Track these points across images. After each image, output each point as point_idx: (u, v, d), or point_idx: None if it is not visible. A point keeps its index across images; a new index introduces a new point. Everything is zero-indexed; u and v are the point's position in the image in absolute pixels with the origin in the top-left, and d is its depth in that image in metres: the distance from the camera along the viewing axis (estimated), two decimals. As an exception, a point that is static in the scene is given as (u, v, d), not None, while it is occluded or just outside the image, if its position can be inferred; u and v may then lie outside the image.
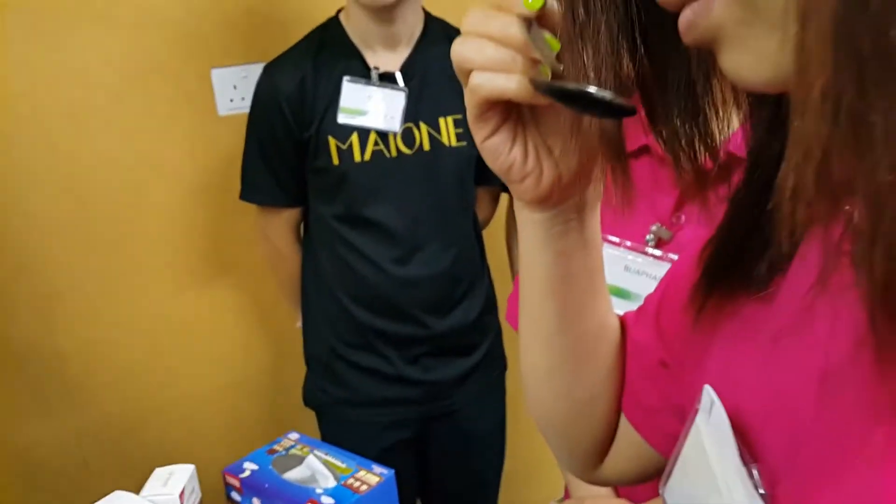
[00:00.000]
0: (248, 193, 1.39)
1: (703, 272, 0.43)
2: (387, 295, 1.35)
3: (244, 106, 1.47)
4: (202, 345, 1.62)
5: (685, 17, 0.31)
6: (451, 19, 1.40)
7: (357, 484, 0.96)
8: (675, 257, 0.79)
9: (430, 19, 1.38)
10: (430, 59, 1.34)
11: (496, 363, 1.51)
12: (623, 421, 0.56)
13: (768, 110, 0.38)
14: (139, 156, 1.50)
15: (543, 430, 0.59)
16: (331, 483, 0.97)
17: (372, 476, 0.98)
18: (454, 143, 1.34)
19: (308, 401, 1.47)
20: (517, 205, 0.51)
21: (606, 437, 0.57)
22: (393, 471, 0.99)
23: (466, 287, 1.41)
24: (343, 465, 1.01)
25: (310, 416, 1.47)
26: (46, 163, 1.43)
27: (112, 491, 0.92)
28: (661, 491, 0.43)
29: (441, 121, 1.33)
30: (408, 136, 1.31)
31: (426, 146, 1.32)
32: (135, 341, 1.55)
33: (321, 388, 1.44)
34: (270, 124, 1.32)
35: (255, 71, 1.40)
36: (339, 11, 1.36)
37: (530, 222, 0.49)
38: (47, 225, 1.45)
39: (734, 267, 0.40)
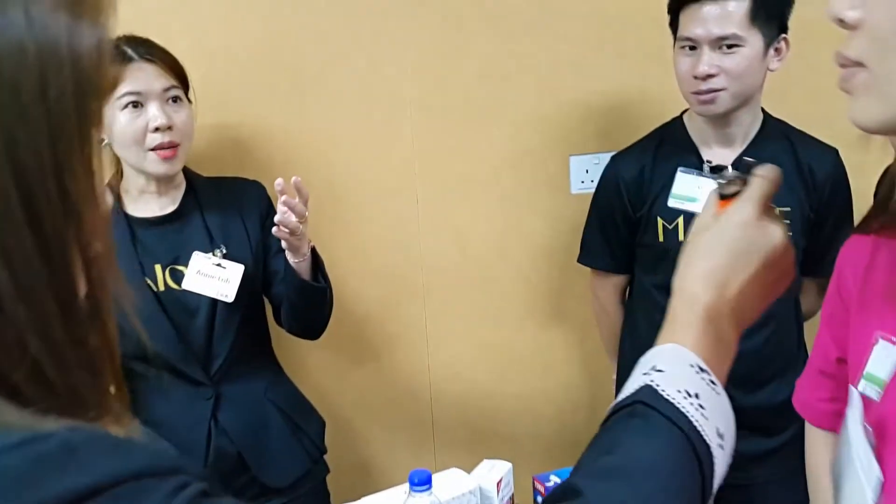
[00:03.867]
0: (585, 258, 1.57)
1: None
2: (695, 362, 1.39)
3: (591, 187, 1.63)
4: (534, 373, 1.82)
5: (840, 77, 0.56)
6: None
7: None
8: None
9: (768, 118, 1.42)
10: (764, 155, 1.37)
11: (802, 453, 1.43)
12: None
13: None
14: (507, 220, 1.78)
15: None
16: None
17: None
18: (778, 232, 1.35)
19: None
20: None
21: None
22: None
23: (777, 369, 1.38)
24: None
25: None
26: (440, 220, 1.75)
27: (451, 466, 1.15)
28: None
29: (767, 211, 1.35)
30: (732, 222, 1.36)
31: (749, 233, 1.36)
32: (485, 358, 1.81)
33: (625, 433, 1.53)
34: (610, 204, 1.48)
35: (605, 159, 1.58)
36: (684, 112, 1.48)
37: None
38: (437, 265, 1.77)
39: None
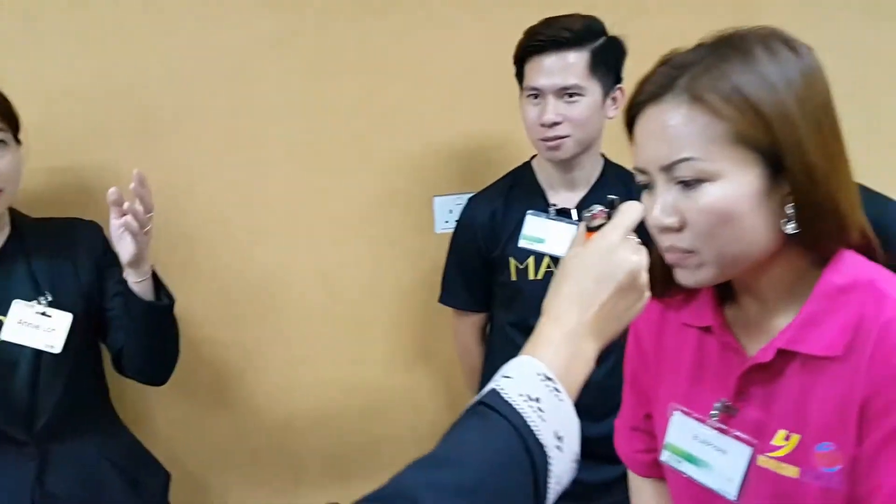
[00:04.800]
0: (445, 297, 1.60)
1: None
2: (547, 396, 1.44)
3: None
4: (403, 413, 1.81)
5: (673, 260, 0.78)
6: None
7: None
8: (739, 434, 0.78)
9: (608, 165, 1.51)
10: (603, 198, 1.46)
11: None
12: None
13: None
14: (374, 261, 1.78)
15: None
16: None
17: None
18: (618, 270, 1.43)
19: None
20: None
21: None
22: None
23: (621, 399, 1.45)
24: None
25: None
26: (306, 263, 1.74)
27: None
28: None
29: (607, 251, 1.44)
30: (577, 261, 1.44)
31: (592, 271, 1.43)
32: (351, 402, 1.79)
33: (487, 469, 1.55)
34: (467, 245, 1.52)
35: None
36: (533, 157, 1.55)
37: None
38: (303, 309, 1.75)
39: None
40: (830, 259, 0.74)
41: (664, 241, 0.75)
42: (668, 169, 0.72)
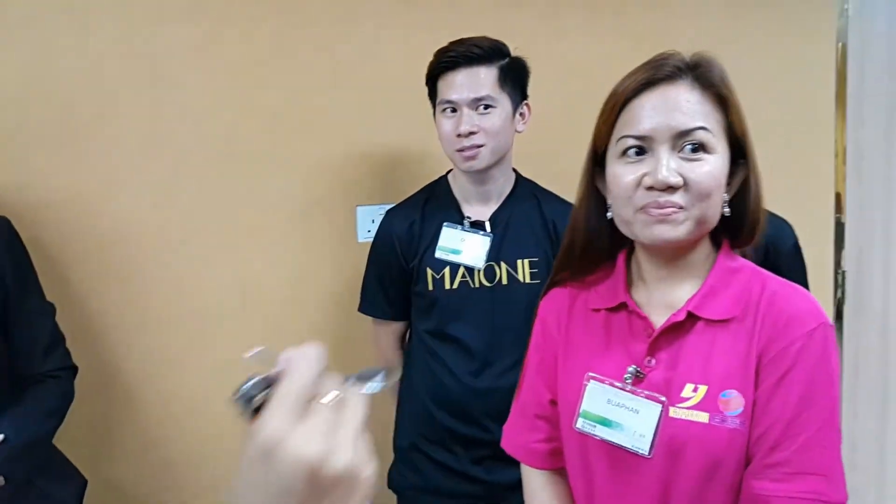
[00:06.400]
0: (364, 307, 1.64)
1: None
2: (459, 401, 1.50)
3: (377, 235, 1.72)
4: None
5: (659, 215, 0.90)
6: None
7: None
8: (649, 394, 0.90)
9: (520, 180, 1.59)
10: (515, 212, 1.54)
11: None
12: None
13: None
14: (296, 268, 1.81)
15: None
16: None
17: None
18: (528, 280, 1.50)
19: (390, 483, 1.62)
20: None
21: None
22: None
23: (530, 403, 1.52)
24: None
25: (391, 498, 1.62)
26: (225, 271, 1.76)
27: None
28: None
29: (518, 262, 1.50)
30: (489, 271, 1.50)
31: (504, 281, 1.50)
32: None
33: (402, 473, 1.59)
34: (385, 255, 1.57)
35: (389, 209, 1.67)
36: (449, 171, 1.61)
37: None
38: (221, 316, 1.76)
39: None
40: (720, 249, 0.95)
41: (660, 197, 0.88)
42: (681, 135, 0.87)
